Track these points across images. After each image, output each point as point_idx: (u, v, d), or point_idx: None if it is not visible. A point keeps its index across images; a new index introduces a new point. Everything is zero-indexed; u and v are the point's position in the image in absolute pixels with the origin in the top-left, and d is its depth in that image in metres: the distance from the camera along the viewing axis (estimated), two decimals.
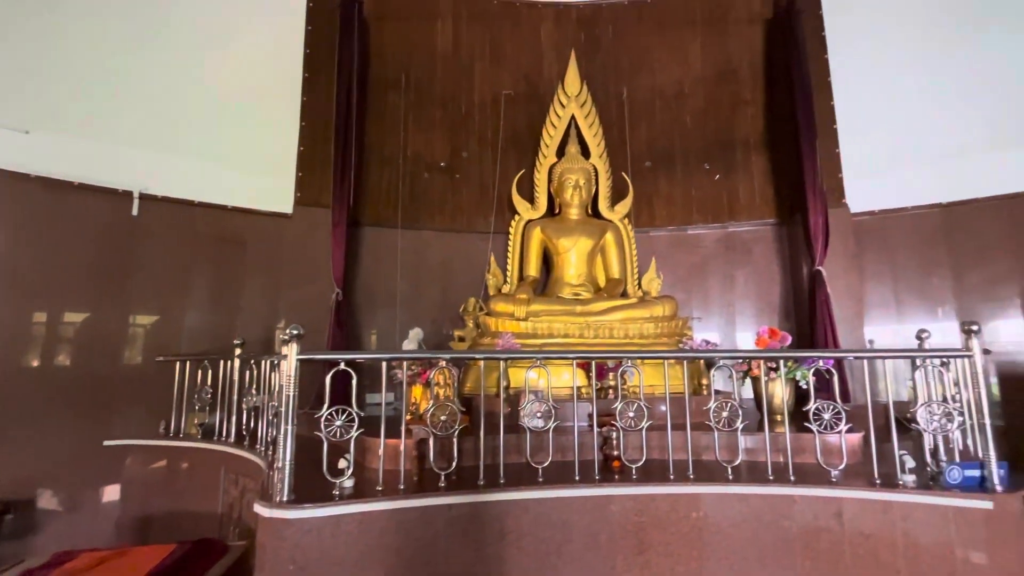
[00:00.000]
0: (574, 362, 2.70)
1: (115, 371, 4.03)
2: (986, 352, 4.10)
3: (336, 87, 4.60)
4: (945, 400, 2.70)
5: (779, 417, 3.42)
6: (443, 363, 2.67)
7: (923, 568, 2.19)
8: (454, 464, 2.39)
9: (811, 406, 2.49)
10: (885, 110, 4.72)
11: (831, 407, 2.47)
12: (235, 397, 3.67)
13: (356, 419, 2.26)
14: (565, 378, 3.62)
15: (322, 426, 2.22)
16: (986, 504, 2.16)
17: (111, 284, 4.08)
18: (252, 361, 3.55)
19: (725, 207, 5.22)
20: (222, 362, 3.88)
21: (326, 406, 2.24)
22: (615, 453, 2.72)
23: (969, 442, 2.63)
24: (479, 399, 3.09)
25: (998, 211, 4.32)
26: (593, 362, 2.92)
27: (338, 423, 2.24)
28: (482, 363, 2.57)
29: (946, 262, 4.50)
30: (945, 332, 4.29)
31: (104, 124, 4.14)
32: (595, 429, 2.61)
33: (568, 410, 2.80)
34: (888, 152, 4.67)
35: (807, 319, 4.55)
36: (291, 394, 2.22)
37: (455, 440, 2.41)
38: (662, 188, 5.36)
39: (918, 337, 3.00)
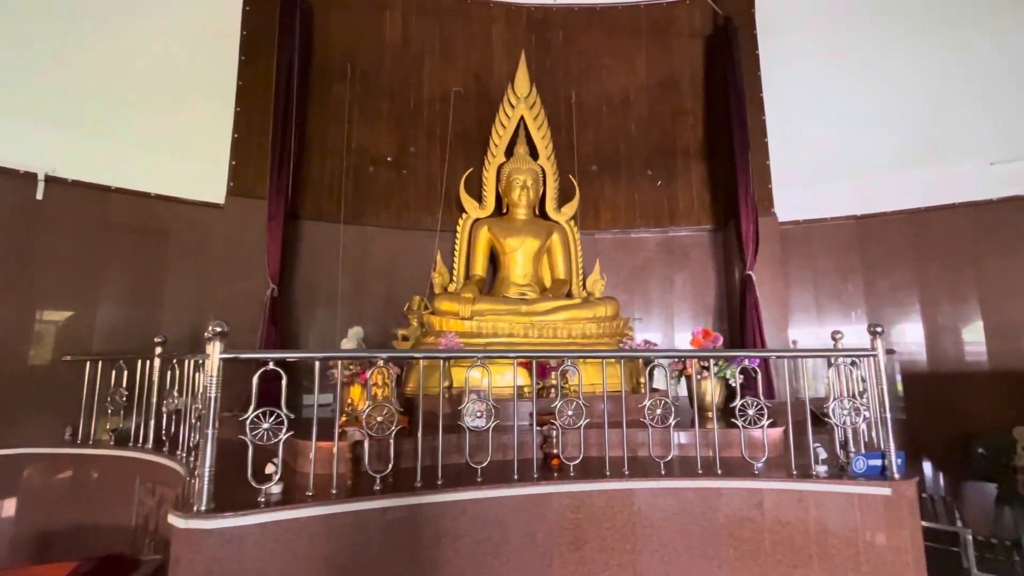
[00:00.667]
0: (515, 362, 2.70)
1: (15, 372, 3.64)
2: (891, 352, 4.52)
3: (276, 73, 4.37)
4: (855, 396, 2.95)
5: (710, 414, 3.60)
6: (381, 363, 2.60)
7: (831, 551, 2.36)
8: (390, 466, 2.32)
9: (737, 403, 2.63)
10: (810, 126, 5.08)
11: (755, 404, 2.62)
12: (154, 400, 3.41)
13: (285, 421, 2.15)
14: (508, 378, 3.64)
15: (247, 429, 2.10)
16: (885, 491, 2.36)
17: (10, 275, 3.67)
18: (174, 361, 3.31)
19: (666, 212, 5.42)
20: (140, 362, 3.60)
21: (252, 408, 2.11)
22: (554, 451, 2.75)
23: (876, 434, 2.86)
24: (427, 399, 3.03)
25: (902, 225, 4.76)
26: (534, 362, 2.93)
27: (265, 426, 2.12)
28: (422, 363, 2.51)
29: (859, 269, 4.91)
30: (860, 334, 4.61)
31: (5, 97, 3.73)
32: (533, 428, 2.62)
33: (511, 410, 2.81)
34: (812, 165, 5.02)
35: (739, 320, 4.81)
36: (213, 396, 2.08)
37: (391, 442, 2.35)
38: (607, 192, 5.50)
39: (832, 338, 3.24)
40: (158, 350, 3.48)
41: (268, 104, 4.38)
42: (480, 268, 4.74)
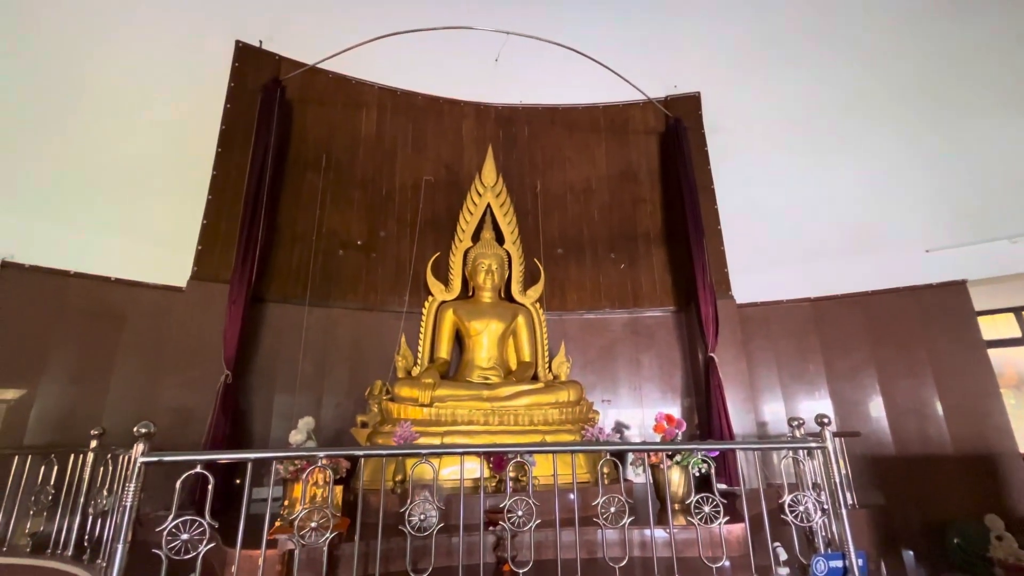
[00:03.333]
0: (462, 456, 2.62)
1: None
2: (855, 435, 4.50)
3: (250, 163, 4.56)
4: (816, 485, 2.88)
5: (677, 506, 3.47)
6: (321, 461, 2.49)
7: None
8: None
9: (691, 499, 2.54)
10: (760, 215, 5.41)
11: (711, 500, 2.54)
12: (82, 499, 3.16)
13: (207, 532, 2.00)
14: (468, 468, 3.49)
15: (163, 541, 1.94)
16: None
17: None
18: (108, 456, 3.12)
19: (630, 294, 5.56)
20: (72, 456, 3.38)
21: (171, 517, 1.97)
22: (505, 556, 2.59)
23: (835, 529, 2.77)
24: (378, 495, 2.88)
25: (855, 306, 4.95)
26: (481, 457, 2.84)
27: (183, 537, 1.97)
28: (362, 460, 2.41)
29: (818, 349, 5.01)
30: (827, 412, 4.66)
31: None
32: (481, 531, 2.48)
33: (467, 506, 2.67)
34: (764, 251, 5.29)
35: (705, 401, 4.79)
36: (129, 504, 1.95)
37: (324, 550, 2.19)
38: (573, 274, 5.66)
39: (790, 424, 3.21)
40: (93, 443, 3.29)
41: (240, 192, 4.53)
42: (445, 351, 4.71)
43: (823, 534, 2.71)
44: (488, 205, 5.21)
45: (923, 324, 4.73)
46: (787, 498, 2.51)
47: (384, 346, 4.89)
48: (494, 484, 3.38)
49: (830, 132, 5.46)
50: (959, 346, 4.55)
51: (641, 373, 5.37)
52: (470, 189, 5.29)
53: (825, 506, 2.62)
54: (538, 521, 2.48)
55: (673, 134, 5.57)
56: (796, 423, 3.17)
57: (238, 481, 2.05)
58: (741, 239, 5.33)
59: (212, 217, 4.52)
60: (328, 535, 2.20)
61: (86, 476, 3.21)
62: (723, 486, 4.33)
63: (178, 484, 2.03)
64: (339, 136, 5.48)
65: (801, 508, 2.49)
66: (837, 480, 2.50)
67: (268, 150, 4.58)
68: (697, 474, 3.47)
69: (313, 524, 2.22)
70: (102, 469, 3.16)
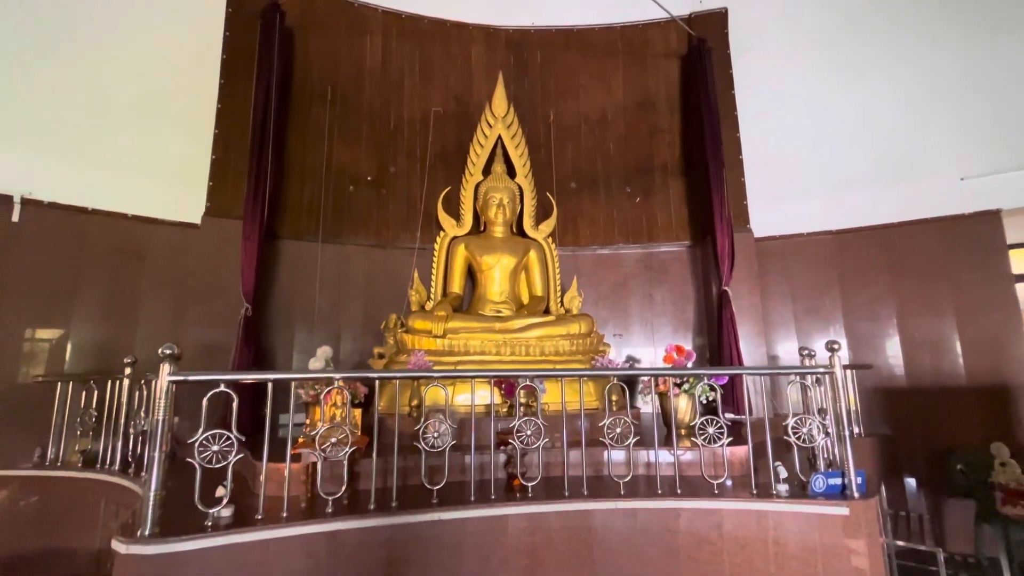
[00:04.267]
0: (473, 381, 2.70)
1: None
2: (867, 367, 4.50)
3: (254, 95, 4.45)
4: (822, 411, 2.93)
5: (683, 431, 3.58)
6: (338, 383, 2.60)
7: (789, 572, 2.33)
8: (344, 489, 2.31)
9: (696, 421, 2.61)
10: (784, 143, 5.14)
11: (715, 422, 2.61)
12: (122, 421, 3.40)
13: (235, 444, 2.14)
14: (479, 395, 3.62)
15: (196, 452, 2.09)
16: (843, 510, 2.33)
17: None
18: (142, 381, 3.31)
19: (645, 229, 5.46)
20: (110, 383, 3.60)
21: (201, 430, 2.11)
22: (514, 472, 2.73)
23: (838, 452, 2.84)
24: (393, 419, 3.03)
25: (877, 238, 4.79)
26: (492, 380, 2.92)
27: (214, 448, 2.12)
28: (377, 383, 2.50)
29: (836, 284, 4.92)
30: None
31: None
32: (492, 449, 2.61)
33: (479, 429, 2.80)
34: (787, 182, 5.07)
35: (716, 336, 4.81)
36: (161, 418, 2.09)
37: (345, 463, 2.34)
38: (586, 209, 5.55)
39: (800, 354, 3.23)
40: (127, 371, 3.49)
41: (247, 126, 4.44)
42: (457, 286, 4.76)
43: (825, 456, 2.79)
44: (499, 137, 5.04)
45: (948, 257, 4.58)
46: (791, 420, 2.56)
47: (397, 282, 4.95)
48: (505, 409, 3.52)
49: (867, 52, 5.05)
50: (985, 279, 4.41)
51: (653, 309, 5.38)
52: (480, 120, 5.10)
53: (829, 430, 2.68)
54: (546, 440, 2.59)
55: (696, 56, 5.21)
56: (806, 352, 3.18)
57: (264, 413, 2.18)
58: (763, 170, 5.11)
59: (221, 152, 4.48)
60: (348, 449, 2.34)
61: (123, 400, 3.44)
62: (730, 415, 4.43)
63: (204, 401, 2.15)
64: (344, 66, 5.27)
65: (805, 430, 2.54)
66: (843, 405, 2.52)
67: (271, 81, 4.44)
68: (704, 402, 3.55)
69: (333, 440, 2.36)
70: (137, 394, 3.36)
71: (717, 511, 2.46)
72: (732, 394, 4.35)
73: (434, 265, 4.82)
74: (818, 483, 2.44)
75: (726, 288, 4.66)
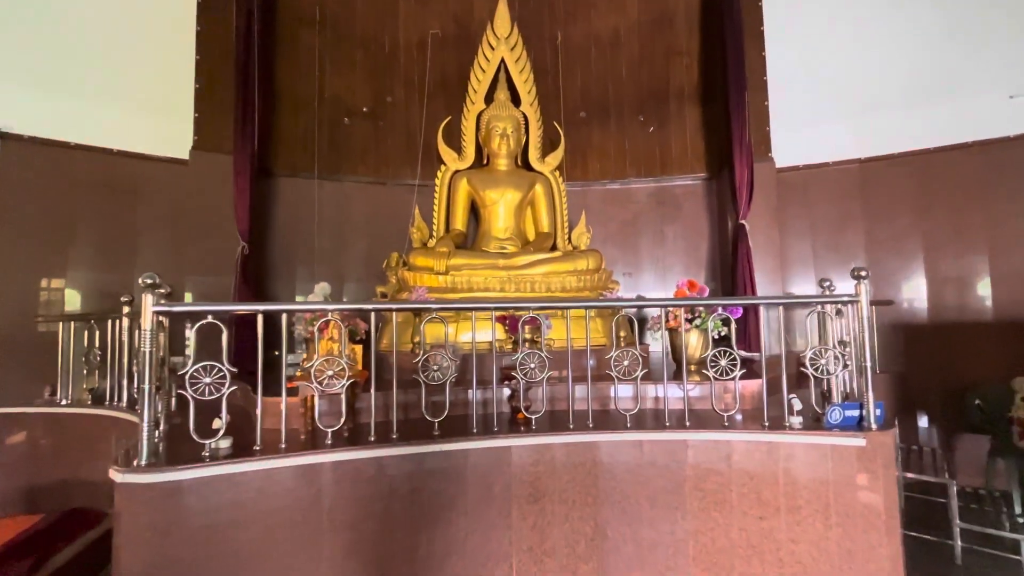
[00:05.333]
0: (473, 315, 2.58)
1: None
2: (888, 303, 4.32)
3: (235, 14, 4.11)
4: (842, 343, 2.79)
5: (693, 367, 3.48)
6: (332, 315, 2.49)
7: (800, 503, 2.28)
8: (342, 421, 2.26)
9: (708, 354, 2.50)
10: (812, 62, 4.70)
11: (727, 354, 2.48)
12: (125, 359, 3.38)
13: (228, 376, 2.07)
14: (481, 334, 3.53)
15: (187, 384, 2.03)
16: (859, 441, 2.24)
17: None
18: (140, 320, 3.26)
19: (658, 161, 5.16)
20: (110, 322, 3.56)
21: (191, 362, 2.04)
22: (518, 405, 2.67)
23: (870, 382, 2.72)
24: (393, 356, 2.97)
25: (906, 167, 4.46)
26: (494, 315, 2.81)
27: (206, 380, 2.05)
28: (373, 315, 2.40)
29: (860, 216, 4.64)
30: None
31: None
32: (494, 384, 2.53)
33: (482, 365, 2.72)
34: (813, 105, 4.68)
35: (731, 273, 4.62)
36: (148, 350, 2.01)
37: (343, 396, 2.28)
38: (595, 140, 5.23)
39: (820, 285, 3.06)
40: (125, 309, 3.42)
41: (230, 51, 4.14)
42: (460, 222, 4.57)
43: (841, 389, 2.68)
44: (502, 60, 4.66)
45: (984, 186, 4.25)
46: (808, 351, 2.43)
47: (399, 220, 4.77)
48: (510, 346, 3.43)
49: None
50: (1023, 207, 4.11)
51: (665, 246, 5.17)
52: (481, 43, 4.71)
53: (848, 361, 2.55)
54: (551, 373, 2.50)
55: None
56: (826, 283, 3.01)
57: (276, 353, 2.11)
58: (788, 92, 4.70)
59: (204, 80, 4.20)
60: (344, 381, 2.26)
61: (124, 339, 3.41)
62: (743, 353, 4.34)
63: (192, 332, 2.07)
64: None
65: (822, 361, 2.41)
66: (865, 336, 2.38)
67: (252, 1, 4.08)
68: (716, 337, 3.43)
69: (329, 373, 2.28)
70: (137, 332, 3.32)
71: (726, 443, 2.39)
72: (746, 331, 4.21)
73: (436, 201, 4.61)
74: (834, 414, 2.34)
75: (743, 222, 4.42)
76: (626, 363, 2.52)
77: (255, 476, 2.04)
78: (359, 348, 2.88)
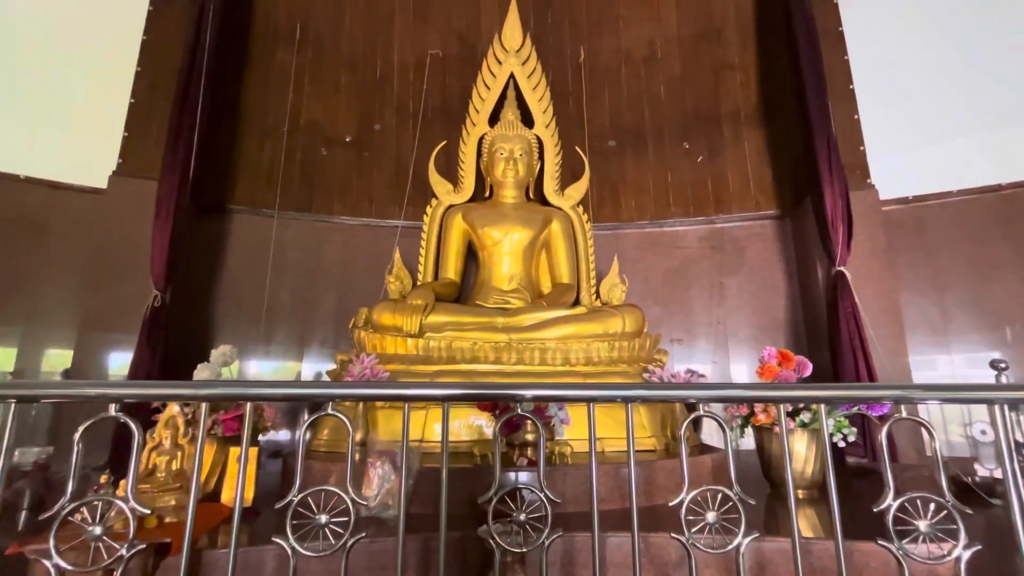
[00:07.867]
0: (428, 410, 1.41)
1: None
2: None
3: (190, 22, 3.42)
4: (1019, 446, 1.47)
5: (802, 494, 2.14)
6: (176, 408, 1.36)
7: None
8: None
9: (890, 502, 1.19)
10: (913, 62, 3.62)
11: (931, 506, 1.18)
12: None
13: None
14: (456, 426, 2.30)
15: None
16: None
17: None
18: None
19: (711, 196, 4.05)
20: None
21: None
22: None
23: None
24: (323, 463, 1.80)
25: None
26: (473, 400, 1.62)
27: None
28: (305, 414, 1.25)
29: (1009, 264, 3.31)
30: (1020, 361, 3.07)
31: None
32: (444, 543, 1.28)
33: (445, 487, 1.49)
34: (920, 118, 3.55)
35: (825, 341, 3.31)
36: None
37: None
38: (629, 173, 4.20)
39: (993, 366, 1.83)
40: None
41: (178, 63, 3.41)
42: (452, 270, 3.49)
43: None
44: (511, 76, 3.79)
45: None
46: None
47: (381, 268, 3.73)
48: (502, 454, 2.18)
49: None
50: None
51: (726, 304, 3.92)
52: (487, 57, 3.89)
53: None
54: (560, 534, 1.25)
55: None
56: (1002, 365, 1.77)
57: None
58: (886, 104, 3.61)
59: (143, 95, 3.46)
60: (128, 550, 1.07)
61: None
62: (852, 459, 2.93)
63: None
64: (318, 0, 4.21)
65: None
66: None
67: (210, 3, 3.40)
68: (843, 445, 2.11)
69: (97, 531, 1.10)
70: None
71: None
72: (863, 432, 2.82)
73: (423, 242, 3.58)
74: None
75: (842, 268, 3.17)
76: (710, 518, 1.24)
77: None
78: (253, 453, 1.72)
